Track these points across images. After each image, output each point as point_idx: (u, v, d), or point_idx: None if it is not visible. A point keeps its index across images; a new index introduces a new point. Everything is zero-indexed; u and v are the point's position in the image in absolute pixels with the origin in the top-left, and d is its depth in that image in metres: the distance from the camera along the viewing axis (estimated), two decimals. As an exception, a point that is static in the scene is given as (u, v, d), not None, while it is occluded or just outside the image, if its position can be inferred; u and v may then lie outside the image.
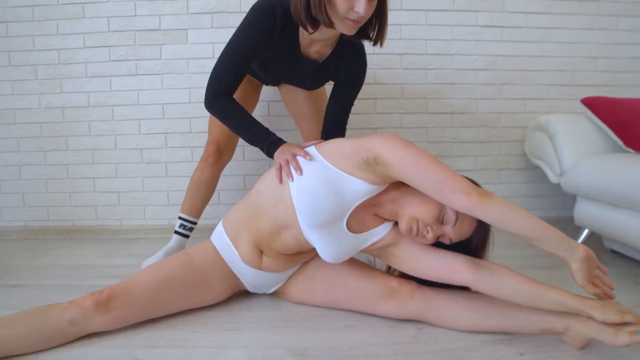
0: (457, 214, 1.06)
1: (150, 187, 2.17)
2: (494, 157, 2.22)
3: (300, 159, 1.14)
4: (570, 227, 1.82)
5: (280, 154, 1.19)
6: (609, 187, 1.51)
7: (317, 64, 1.42)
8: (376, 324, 1.22)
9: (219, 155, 1.70)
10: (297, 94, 1.72)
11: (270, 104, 2.13)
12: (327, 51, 1.40)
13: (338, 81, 1.49)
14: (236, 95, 1.38)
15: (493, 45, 2.16)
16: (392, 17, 2.07)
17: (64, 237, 2.14)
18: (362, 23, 1.21)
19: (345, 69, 1.44)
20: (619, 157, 1.57)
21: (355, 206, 1.11)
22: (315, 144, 1.18)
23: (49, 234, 2.15)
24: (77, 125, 2.11)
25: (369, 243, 1.18)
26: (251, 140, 1.33)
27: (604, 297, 1.01)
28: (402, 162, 1.03)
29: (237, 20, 1.41)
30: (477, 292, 1.15)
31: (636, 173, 1.41)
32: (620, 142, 1.67)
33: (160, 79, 2.11)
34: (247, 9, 1.29)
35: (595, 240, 1.86)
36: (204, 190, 1.71)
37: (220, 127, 1.65)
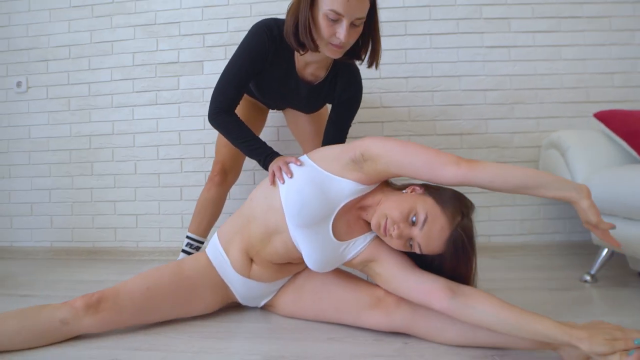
0: (427, 215, 1.03)
1: (165, 210, 2.26)
2: (507, 178, 2.14)
3: (291, 165, 1.19)
4: (594, 251, 1.70)
5: (274, 163, 1.25)
6: (622, 199, 1.41)
7: (311, 85, 1.48)
8: (361, 337, 1.17)
9: (225, 175, 1.76)
10: (300, 118, 1.78)
11: (279, 129, 2.20)
12: (322, 73, 1.46)
13: (334, 103, 1.54)
14: (243, 118, 1.46)
15: (501, 65, 2.14)
16: (396, 42, 2.17)
17: (85, 258, 2.25)
18: (346, 48, 1.27)
19: (340, 91, 1.49)
20: (632, 167, 1.48)
21: (341, 205, 1.12)
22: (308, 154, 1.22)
23: (72, 254, 2.27)
24: (102, 151, 2.28)
25: (350, 255, 1.17)
26: (250, 153, 1.40)
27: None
28: (389, 150, 1.07)
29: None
30: None
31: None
32: (634, 153, 1.58)
33: (178, 108, 2.25)
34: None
35: (619, 262, 1.73)
36: (210, 209, 1.77)
37: (226, 148, 1.73)
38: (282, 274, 1.30)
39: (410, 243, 1.06)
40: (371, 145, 1.09)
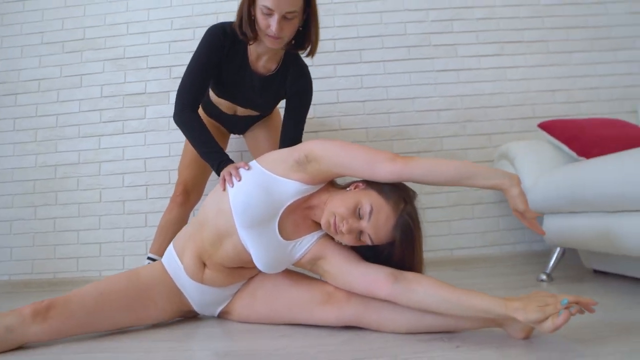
0: (372, 207, 1.07)
1: (130, 237, 2.24)
2: (465, 192, 2.21)
3: (240, 169, 1.23)
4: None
5: (225, 169, 1.29)
6: (562, 194, 1.49)
7: (264, 77, 1.58)
8: (313, 332, 1.15)
9: (187, 196, 1.78)
10: (259, 137, 1.86)
11: (242, 153, 2.26)
12: (273, 66, 1.58)
13: (286, 96, 1.63)
14: (201, 162, 1.56)
15: (451, 87, 2.28)
16: (352, 69, 2.31)
17: (45, 290, 2.18)
18: (284, 39, 1.40)
19: (290, 83, 1.60)
20: (570, 165, 1.57)
21: (286, 205, 1.15)
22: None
23: (31, 286, 2.20)
24: (67, 181, 2.28)
25: (299, 254, 1.18)
26: (206, 156, 1.45)
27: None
28: (331, 151, 1.12)
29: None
30: None
31: (582, 174, 1.40)
32: (573, 154, 1.69)
33: (144, 136, 2.31)
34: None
35: (574, 261, 1.77)
36: (172, 230, 1.77)
37: (188, 169, 1.77)
38: (234, 279, 1.29)
39: (361, 236, 1.09)
40: (314, 147, 1.14)
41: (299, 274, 1.30)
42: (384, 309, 1.10)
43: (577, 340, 0.96)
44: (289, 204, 1.15)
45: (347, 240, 1.10)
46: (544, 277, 1.66)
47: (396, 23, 2.36)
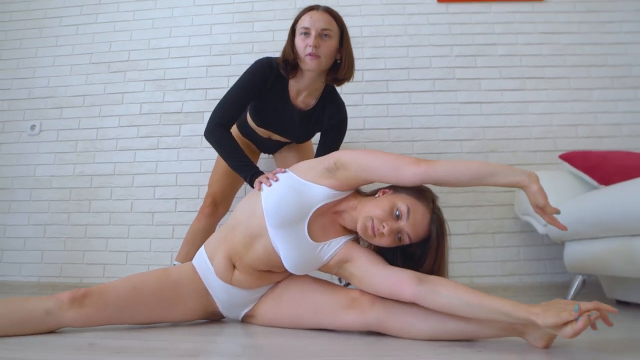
0: (408, 207, 1.13)
1: (156, 247, 2.31)
2: (486, 221, 2.24)
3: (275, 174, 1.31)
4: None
5: (259, 178, 1.37)
6: (584, 219, 1.51)
7: (303, 111, 1.68)
8: (336, 335, 1.18)
9: (215, 207, 1.87)
10: (288, 158, 1.95)
11: (270, 172, 2.34)
12: (312, 102, 1.68)
13: (323, 129, 1.72)
14: (232, 175, 1.72)
15: (475, 119, 2.36)
16: (380, 98, 2.41)
17: (71, 294, 2.24)
18: (322, 61, 1.52)
19: (328, 117, 1.69)
20: (590, 192, 1.60)
21: (316, 208, 1.21)
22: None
23: (58, 289, 2.26)
24: (101, 190, 2.39)
25: (327, 256, 1.23)
26: (238, 168, 1.53)
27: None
28: (358, 157, 1.20)
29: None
30: None
31: (604, 198, 1.44)
32: (594, 182, 1.73)
33: (177, 152, 2.42)
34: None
35: (595, 291, 1.76)
36: (199, 239, 1.84)
37: (219, 182, 1.87)
38: (262, 282, 1.34)
39: (399, 236, 1.14)
40: (342, 155, 1.22)
41: (326, 281, 1.34)
42: (406, 314, 1.12)
43: (599, 350, 0.97)
44: (318, 207, 1.21)
45: (387, 242, 1.14)
46: (565, 304, 1.66)
47: (422, 57, 2.48)
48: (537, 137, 2.32)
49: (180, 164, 2.41)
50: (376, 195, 1.24)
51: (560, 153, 2.23)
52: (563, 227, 1.08)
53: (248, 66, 1.63)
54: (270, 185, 1.27)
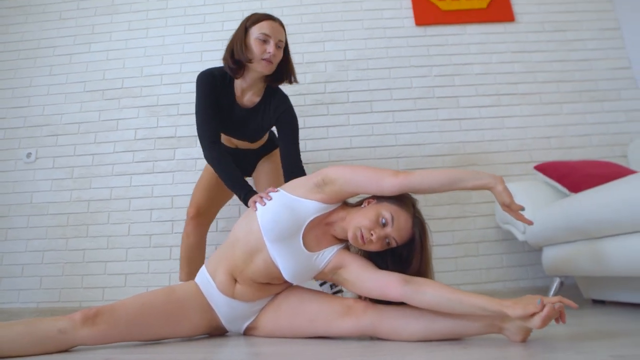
0: (392, 214, 1.25)
1: (154, 269, 2.38)
2: (470, 231, 2.37)
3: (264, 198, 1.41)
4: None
5: (252, 197, 1.47)
6: (558, 225, 1.65)
7: (249, 108, 1.82)
8: (329, 341, 1.28)
9: (199, 218, 1.95)
10: (262, 171, 2.05)
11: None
12: (257, 99, 1.82)
13: (275, 122, 1.83)
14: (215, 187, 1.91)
15: (455, 134, 2.50)
16: (364, 118, 2.54)
17: (70, 318, 2.28)
18: (274, 64, 1.69)
19: (274, 108, 1.81)
20: (561, 200, 1.74)
21: (308, 221, 1.32)
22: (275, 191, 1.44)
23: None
24: (99, 215, 2.46)
25: (322, 264, 1.34)
26: (233, 188, 1.65)
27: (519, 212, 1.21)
28: (344, 173, 1.32)
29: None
30: None
31: (573, 204, 1.57)
32: (565, 190, 1.86)
33: (172, 176, 2.51)
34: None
35: (572, 292, 1.88)
36: (196, 254, 1.93)
37: (203, 192, 1.98)
38: (262, 293, 1.42)
39: (387, 241, 1.26)
40: (328, 171, 1.34)
41: (322, 292, 1.44)
42: (398, 318, 1.23)
43: (574, 340, 1.09)
44: (310, 220, 1.32)
45: (375, 247, 1.26)
46: (545, 306, 1.78)
47: (403, 77, 2.63)
48: (513, 149, 2.47)
49: (175, 187, 2.49)
50: (362, 206, 1.35)
51: (535, 164, 2.40)
52: (529, 222, 1.22)
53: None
54: (264, 204, 1.37)
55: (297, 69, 2.67)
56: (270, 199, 1.38)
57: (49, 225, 2.46)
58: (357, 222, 1.27)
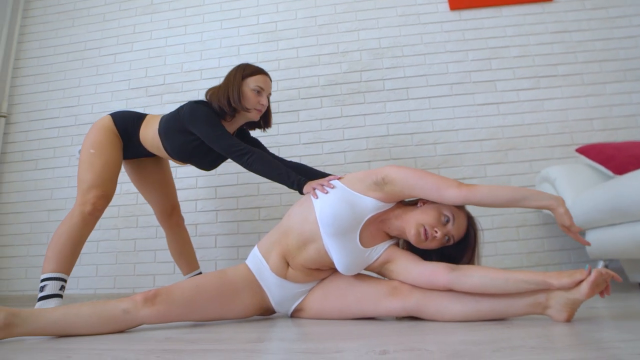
0: (452, 213, 1.30)
1: (201, 257, 2.48)
2: (509, 216, 2.35)
3: (325, 187, 1.45)
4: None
5: (308, 185, 1.52)
6: (601, 207, 1.63)
7: None
8: (375, 321, 1.33)
9: (106, 202, 1.85)
10: (149, 170, 2.09)
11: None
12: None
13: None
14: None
15: (492, 119, 2.48)
16: (400, 105, 2.56)
17: (125, 303, 2.43)
18: (262, 113, 1.86)
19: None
20: (605, 182, 1.71)
21: (366, 218, 1.37)
22: (337, 178, 1.48)
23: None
24: (147, 206, 2.58)
25: (373, 259, 1.40)
26: (281, 180, 1.64)
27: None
28: (405, 176, 1.35)
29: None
30: None
31: (619, 186, 1.55)
32: (609, 172, 1.83)
33: (214, 167, 2.60)
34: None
35: (619, 275, 1.85)
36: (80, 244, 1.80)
37: (111, 181, 1.85)
38: (312, 277, 1.49)
39: (447, 238, 1.32)
40: (391, 172, 1.36)
41: (368, 274, 1.49)
42: (442, 298, 1.27)
43: (619, 319, 1.09)
44: (368, 217, 1.37)
45: (436, 244, 1.32)
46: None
47: (438, 63, 2.61)
48: (553, 132, 2.42)
49: (218, 178, 2.59)
50: (418, 205, 1.39)
51: (577, 147, 2.35)
52: (586, 243, 1.24)
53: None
54: (326, 192, 1.41)
55: (332, 59, 2.73)
56: (333, 187, 1.43)
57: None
58: (420, 220, 1.32)
